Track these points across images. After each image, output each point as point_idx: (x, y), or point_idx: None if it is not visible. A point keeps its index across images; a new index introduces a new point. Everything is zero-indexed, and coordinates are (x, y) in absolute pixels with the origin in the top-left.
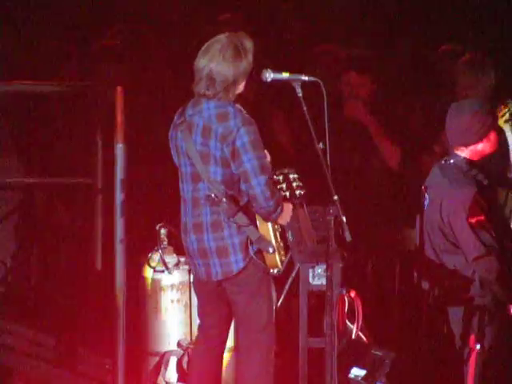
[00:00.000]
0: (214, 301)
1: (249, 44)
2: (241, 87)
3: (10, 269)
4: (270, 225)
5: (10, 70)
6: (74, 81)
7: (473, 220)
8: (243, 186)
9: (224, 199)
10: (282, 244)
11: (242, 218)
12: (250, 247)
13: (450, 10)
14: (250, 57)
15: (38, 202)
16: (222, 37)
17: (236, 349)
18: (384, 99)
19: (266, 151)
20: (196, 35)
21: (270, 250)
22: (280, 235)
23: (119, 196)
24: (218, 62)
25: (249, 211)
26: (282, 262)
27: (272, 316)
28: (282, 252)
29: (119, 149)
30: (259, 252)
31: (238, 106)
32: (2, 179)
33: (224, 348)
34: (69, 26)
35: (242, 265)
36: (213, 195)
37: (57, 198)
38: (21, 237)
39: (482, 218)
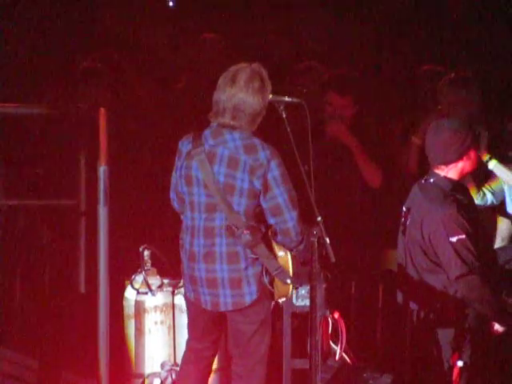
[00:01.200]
0: (209, 328)
1: (266, 73)
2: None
3: None
4: (289, 256)
5: None
6: (56, 103)
7: (454, 239)
8: (272, 220)
9: (246, 230)
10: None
11: (262, 250)
12: (264, 277)
13: (435, 29)
14: (269, 86)
15: (20, 224)
16: (244, 66)
17: (226, 370)
18: (365, 120)
19: None
20: (179, 57)
21: (288, 281)
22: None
23: (103, 218)
24: (248, 93)
25: (268, 242)
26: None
27: (268, 347)
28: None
29: (102, 171)
30: (271, 281)
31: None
32: None
33: (210, 371)
34: (50, 49)
35: (255, 296)
36: (232, 226)
37: (40, 219)
38: (3, 259)
39: (464, 236)
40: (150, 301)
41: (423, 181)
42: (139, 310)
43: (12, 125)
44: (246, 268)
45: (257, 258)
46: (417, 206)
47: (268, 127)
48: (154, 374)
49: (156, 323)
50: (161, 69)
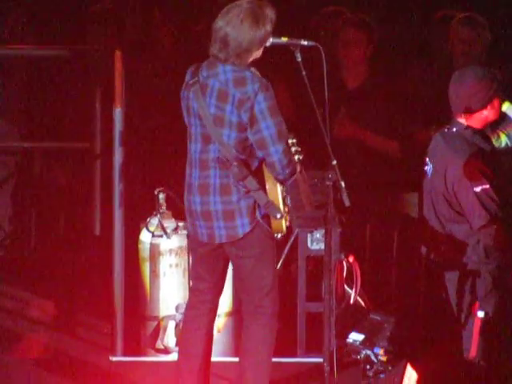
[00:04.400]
0: (210, 264)
1: (270, 13)
2: (256, 54)
3: (8, 233)
4: (279, 190)
5: (9, 33)
6: (71, 44)
7: (478, 189)
8: (259, 153)
9: (235, 163)
10: (286, 209)
11: (251, 182)
12: (257, 211)
13: None
14: (269, 26)
15: (36, 166)
16: (243, 2)
17: (240, 313)
18: (382, 66)
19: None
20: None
21: (278, 215)
22: (286, 200)
23: (118, 160)
24: (234, 26)
25: (259, 175)
26: (286, 227)
27: (276, 281)
28: (288, 217)
29: (118, 113)
30: (265, 216)
31: (254, 70)
32: (1, 143)
33: (215, 314)
34: None
35: (247, 228)
36: (223, 158)
37: (55, 162)
38: (19, 201)
39: (487, 186)
40: (165, 244)
41: (446, 130)
42: (154, 252)
43: (27, 67)
44: (239, 200)
45: (249, 191)
46: (440, 156)
47: (285, 70)
48: (169, 317)
49: (171, 266)
50: (180, 10)
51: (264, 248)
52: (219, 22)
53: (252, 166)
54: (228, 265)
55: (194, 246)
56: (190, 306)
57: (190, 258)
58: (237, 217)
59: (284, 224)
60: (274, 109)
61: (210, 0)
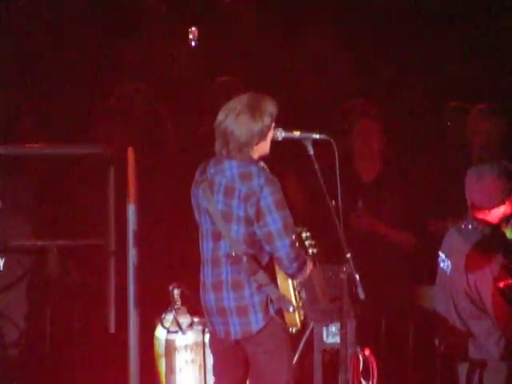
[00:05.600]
0: (231, 361)
1: (269, 106)
2: (262, 149)
3: (23, 331)
4: (290, 284)
5: (18, 132)
6: (83, 140)
7: (501, 284)
8: (267, 247)
9: (245, 258)
10: (301, 303)
11: (262, 277)
12: (271, 306)
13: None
14: (267, 120)
15: (50, 264)
16: (243, 96)
17: None
18: (395, 153)
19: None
20: (203, 92)
21: (291, 309)
22: (299, 294)
23: (132, 259)
24: (232, 121)
25: (269, 270)
26: (301, 321)
27: (291, 377)
28: (302, 311)
29: (131, 210)
30: (279, 311)
31: (261, 164)
32: (15, 242)
33: None
34: (74, 86)
35: (261, 324)
36: (233, 254)
37: (69, 259)
38: (34, 299)
39: (510, 281)
40: (180, 339)
41: (463, 226)
42: (170, 348)
43: (40, 165)
44: (251, 295)
45: (260, 286)
46: (459, 252)
47: (297, 162)
48: None
49: (187, 362)
50: (185, 109)
51: (279, 343)
52: (219, 117)
53: (262, 261)
54: (248, 363)
55: (214, 343)
56: None
57: (211, 355)
58: (250, 312)
59: (298, 318)
60: (281, 203)
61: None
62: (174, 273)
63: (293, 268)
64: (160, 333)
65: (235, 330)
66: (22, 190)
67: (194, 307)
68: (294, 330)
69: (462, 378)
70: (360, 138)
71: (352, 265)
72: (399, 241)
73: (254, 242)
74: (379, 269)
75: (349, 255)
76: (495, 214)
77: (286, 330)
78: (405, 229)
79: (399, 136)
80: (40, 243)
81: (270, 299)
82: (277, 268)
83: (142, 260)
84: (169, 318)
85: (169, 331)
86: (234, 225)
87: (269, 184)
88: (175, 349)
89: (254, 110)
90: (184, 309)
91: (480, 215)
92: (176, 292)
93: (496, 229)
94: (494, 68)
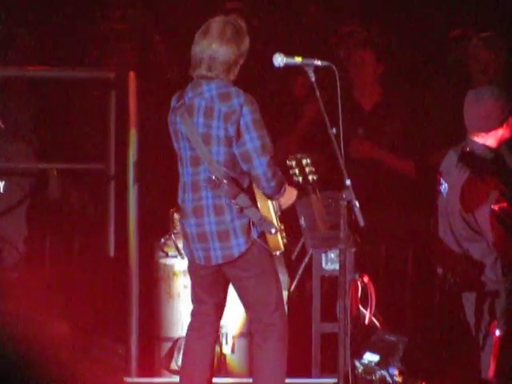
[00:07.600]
0: (210, 287)
1: (244, 25)
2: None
3: (22, 254)
4: (271, 207)
5: (21, 55)
6: (86, 66)
7: (496, 207)
8: (245, 167)
9: (225, 181)
10: (282, 226)
11: (243, 200)
12: (253, 230)
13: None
14: (247, 38)
15: (50, 188)
16: (218, 18)
17: (252, 334)
18: (394, 87)
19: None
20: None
21: (273, 230)
22: (280, 219)
23: (132, 182)
24: (221, 42)
25: (250, 193)
26: (283, 243)
27: (282, 296)
28: (284, 234)
29: (132, 134)
30: (262, 235)
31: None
32: (15, 164)
33: (216, 336)
34: (77, 9)
35: (243, 248)
36: (213, 177)
37: (70, 183)
38: (34, 222)
39: (505, 204)
40: (179, 264)
41: (461, 149)
42: (168, 273)
43: (41, 89)
44: (232, 220)
45: (242, 210)
46: (455, 175)
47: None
48: (184, 338)
49: (185, 287)
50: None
51: (263, 267)
52: (201, 43)
53: (243, 184)
54: (228, 286)
55: (193, 270)
56: (192, 327)
57: (190, 282)
58: (232, 237)
59: (281, 240)
60: (259, 122)
61: None
62: (173, 197)
63: (270, 187)
64: (159, 257)
65: (216, 255)
66: (22, 113)
67: None
68: (277, 253)
69: (468, 306)
70: (352, 67)
71: (352, 192)
72: (399, 167)
73: (234, 164)
74: (379, 196)
75: (349, 182)
76: (493, 136)
77: (269, 253)
78: (405, 157)
79: (400, 64)
80: (40, 166)
81: (253, 223)
82: (256, 191)
83: (141, 184)
84: (168, 242)
85: (168, 256)
86: (214, 146)
87: (248, 103)
88: (174, 273)
89: (237, 30)
90: None
91: (478, 138)
92: (176, 216)
93: (494, 152)
94: None
